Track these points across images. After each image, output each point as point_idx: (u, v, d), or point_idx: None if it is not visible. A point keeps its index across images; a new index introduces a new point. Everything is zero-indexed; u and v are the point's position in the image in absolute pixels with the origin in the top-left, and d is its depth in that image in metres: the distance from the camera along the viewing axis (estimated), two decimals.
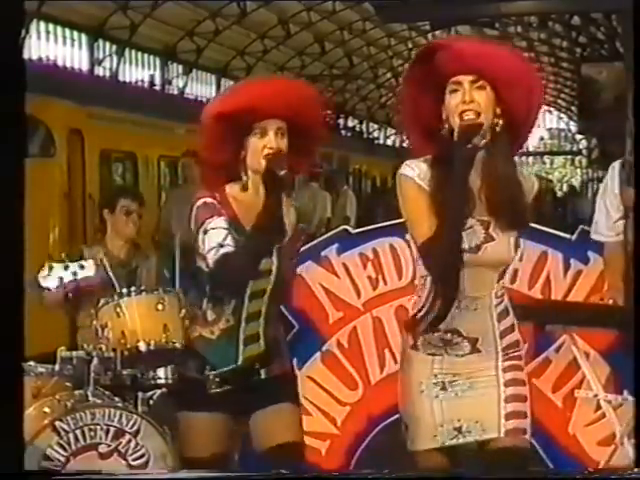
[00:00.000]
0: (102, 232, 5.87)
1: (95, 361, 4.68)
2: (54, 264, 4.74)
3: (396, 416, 4.78)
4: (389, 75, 33.71)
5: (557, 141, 53.03)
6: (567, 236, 4.81)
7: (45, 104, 10.05)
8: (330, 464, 4.82)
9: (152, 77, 22.48)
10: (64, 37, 19.91)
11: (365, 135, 34.81)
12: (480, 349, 3.37)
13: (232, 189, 3.52)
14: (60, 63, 19.37)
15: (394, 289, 4.86)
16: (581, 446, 4.73)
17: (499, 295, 3.39)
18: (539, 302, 4.67)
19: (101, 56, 20.78)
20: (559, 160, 56.07)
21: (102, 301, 4.96)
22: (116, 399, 4.67)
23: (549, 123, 51.30)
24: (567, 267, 4.76)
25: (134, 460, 4.41)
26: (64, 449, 4.33)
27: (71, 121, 11.01)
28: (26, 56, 14.44)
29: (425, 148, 3.37)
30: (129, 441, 4.41)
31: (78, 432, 4.37)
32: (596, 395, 4.55)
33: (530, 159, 51.44)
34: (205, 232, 3.40)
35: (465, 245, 3.24)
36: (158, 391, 5.19)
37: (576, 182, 47.00)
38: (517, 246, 3.36)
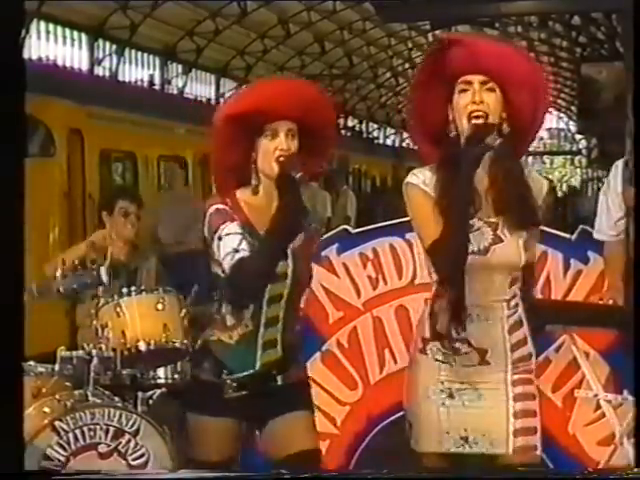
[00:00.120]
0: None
1: (95, 361, 4.68)
2: (69, 271, 4.73)
3: (396, 416, 4.80)
4: (389, 75, 33.71)
5: (557, 141, 53.02)
6: (567, 236, 4.81)
7: (45, 104, 10.06)
8: (330, 464, 4.81)
9: (152, 77, 22.49)
10: (64, 37, 19.91)
11: (365, 135, 34.81)
12: (489, 361, 3.32)
13: (243, 193, 3.50)
14: (60, 63, 19.36)
15: (394, 289, 4.86)
16: (581, 446, 4.73)
17: (512, 306, 3.34)
18: (539, 302, 4.67)
19: (101, 56, 20.78)
20: (559, 160, 56.07)
21: (102, 301, 4.97)
22: (116, 399, 4.67)
23: (549, 123, 51.30)
24: (567, 267, 4.76)
25: (134, 460, 4.41)
26: (64, 449, 4.34)
27: (71, 121, 11.01)
28: (26, 56, 14.45)
29: (430, 149, 3.36)
30: (129, 441, 4.41)
31: (78, 432, 4.37)
32: (596, 395, 4.55)
33: (530, 159, 51.43)
34: (220, 238, 3.39)
35: (474, 247, 3.22)
36: (158, 391, 5.20)
37: (576, 182, 47.04)
38: (527, 249, 3.31)
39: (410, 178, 3.34)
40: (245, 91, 3.68)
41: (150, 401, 5.13)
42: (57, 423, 4.36)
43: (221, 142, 3.48)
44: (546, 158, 55.83)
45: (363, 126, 35.35)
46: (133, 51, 22.06)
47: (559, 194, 34.45)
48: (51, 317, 5.73)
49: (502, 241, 3.27)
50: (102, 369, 4.72)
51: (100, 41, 20.50)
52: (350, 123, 33.91)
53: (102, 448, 4.40)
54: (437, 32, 22.16)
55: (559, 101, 42.83)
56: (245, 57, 24.95)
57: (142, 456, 4.42)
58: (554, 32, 26.47)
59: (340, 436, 4.90)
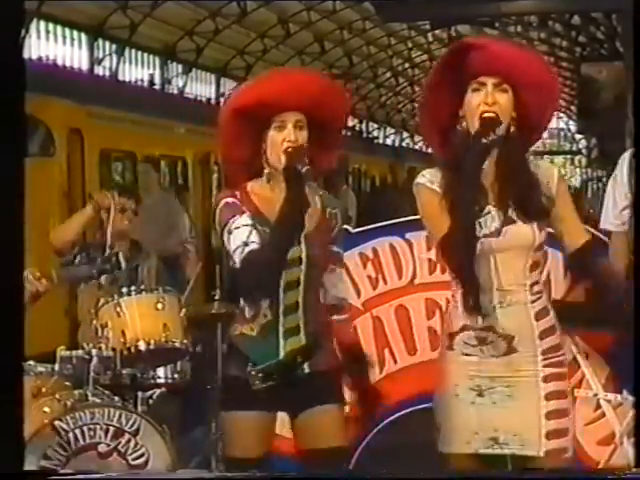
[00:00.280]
0: (100, 230, 5.88)
1: (95, 360, 4.69)
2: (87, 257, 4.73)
3: (396, 416, 4.80)
4: (389, 74, 33.69)
5: (557, 140, 53.00)
6: None
7: (45, 103, 10.06)
8: None
9: (152, 76, 22.46)
10: (64, 36, 19.88)
11: (365, 134, 34.80)
12: (517, 348, 3.30)
13: (254, 185, 3.50)
14: (60, 62, 19.34)
15: (394, 288, 4.85)
16: (580, 445, 4.73)
17: (535, 292, 3.34)
18: None
19: (101, 55, 20.75)
20: (559, 159, 56.05)
21: (102, 300, 4.98)
22: (116, 399, 4.68)
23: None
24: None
25: (134, 460, 4.42)
26: (64, 449, 4.34)
27: (71, 120, 11.02)
28: (26, 56, 14.43)
29: (439, 145, 3.38)
30: (128, 440, 4.42)
31: (78, 431, 4.38)
32: (596, 394, 4.55)
33: (531, 158, 51.33)
34: (230, 232, 3.38)
35: (485, 230, 3.23)
36: (158, 391, 5.20)
37: (576, 181, 46.99)
38: (541, 230, 3.31)
39: (418, 179, 3.38)
40: (252, 83, 3.66)
41: (150, 401, 5.13)
42: (57, 423, 4.36)
43: (230, 136, 3.47)
44: (546, 157, 55.85)
45: (363, 126, 35.33)
46: (133, 51, 22.03)
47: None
48: (51, 317, 5.73)
49: (514, 222, 3.28)
50: (102, 369, 4.73)
51: (100, 41, 20.47)
52: (350, 123, 33.87)
53: (102, 448, 4.41)
54: (437, 31, 22.19)
55: (559, 100, 42.78)
56: (245, 57, 24.92)
57: (142, 456, 4.43)
58: (554, 32, 26.45)
59: None
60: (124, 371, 4.88)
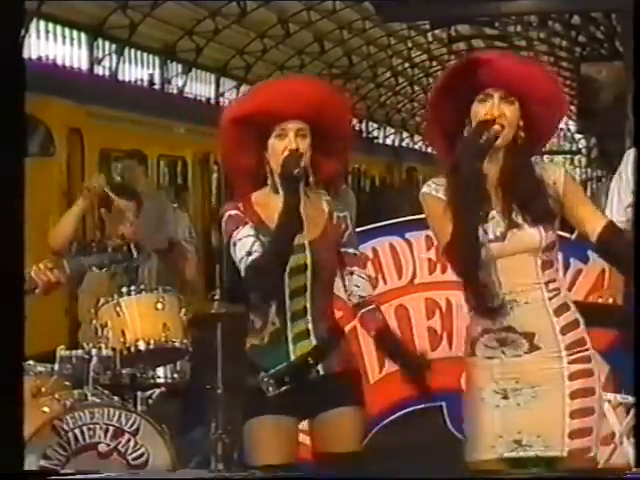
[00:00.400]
0: (101, 231, 5.88)
1: (94, 360, 4.69)
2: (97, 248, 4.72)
3: (395, 415, 4.80)
4: (388, 74, 33.70)
5: (557, 140, 53.03)
6: (567, 235, 4.80)
7: (45, 103, 10.07)
8: None
9: (151, 76, 22.46)
10: (64, 36, 19.89)
11: (364, 134, 34.81)
12: (539, 345, 3.28)
13: (258, 195, 3.50)
14: (60, 62, 19.34)
15: (394, 288, 4.86)
16: None
17: (552, 289, 3.33)
18: None
19: (100, 55, 20.74)
20: (558, 159, 56.08)
21: (102, 300, 4.98)
22: (115, 398, 4.68)
23: None
24: (567, 266, 4.75)
25: (133, 459, 4.42)
26: (63, 448, 4.34)
27: (71, 120, 11.02)
28: (26, 55, 14.44)
29: (446, 152, 3.38)
30: (128, 440, 4.42)
31: (77, 431, 4.38)
32: None
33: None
34: (234, 244, 3.40)
35: (490, 235, 3.24)
36: (157, 390, 5.20)
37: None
38: (547, 230, 3.31)
39: (424, 189, 3.38)
40: (253, 91, 3.65)
41: (150, 401, 5.13)
42: (57, 422, 4.36)
43: (232, 145, 3.47)
44: (546, 157, 55.83)
45: (363, 125, 35.34)
46: (133, 50, 22.03)
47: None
48: (51, 317, 5.73)
49: (518, 226, 3.28)
50: (101, 368, 4.73)
51: (100, 40, 20.47)
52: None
53: (102, 448, 4.41)
54: (436, 31, 22.20)
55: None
56: (245, 56, 24.92)
57: (142, 455, 4.43)
58: (554, 32, 26.46)
59: None
60: (124, 371, 4.88)
